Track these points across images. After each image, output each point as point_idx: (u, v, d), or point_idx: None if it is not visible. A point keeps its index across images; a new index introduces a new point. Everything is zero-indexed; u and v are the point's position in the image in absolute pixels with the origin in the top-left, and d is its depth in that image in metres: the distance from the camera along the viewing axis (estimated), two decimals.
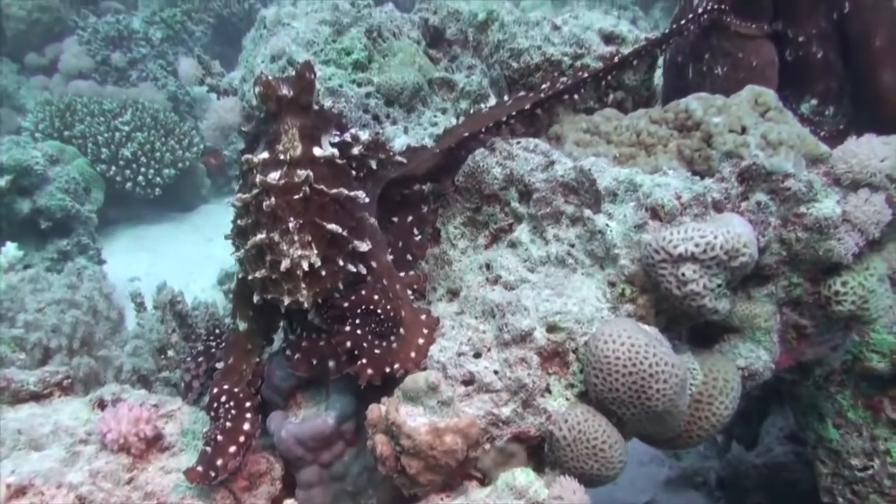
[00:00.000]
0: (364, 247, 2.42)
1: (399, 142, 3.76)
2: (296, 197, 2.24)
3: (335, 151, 2.38)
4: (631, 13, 9.25)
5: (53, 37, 11.01)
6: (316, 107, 2.43)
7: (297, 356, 2.54)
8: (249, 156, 2.33)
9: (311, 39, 3.84)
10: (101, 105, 8.86)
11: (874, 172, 2.65)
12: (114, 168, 8.56)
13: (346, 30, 3.91)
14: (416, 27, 4.19)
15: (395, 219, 2.90)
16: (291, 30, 3.90)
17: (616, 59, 3.05)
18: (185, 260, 7.99)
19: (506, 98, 3.07)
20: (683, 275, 2.40)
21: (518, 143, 2.87)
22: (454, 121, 3.93)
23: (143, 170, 8.63)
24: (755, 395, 4.25)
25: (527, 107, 2.95)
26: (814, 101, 3.19)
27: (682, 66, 3.32)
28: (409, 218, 2.91)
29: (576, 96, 3.01)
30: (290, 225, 2.25)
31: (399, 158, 2.79)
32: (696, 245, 2.38)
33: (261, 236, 2.26)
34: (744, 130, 2.68)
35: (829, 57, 3.13)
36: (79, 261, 6.55)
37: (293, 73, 3.73)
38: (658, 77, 3.53)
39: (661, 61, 3.51)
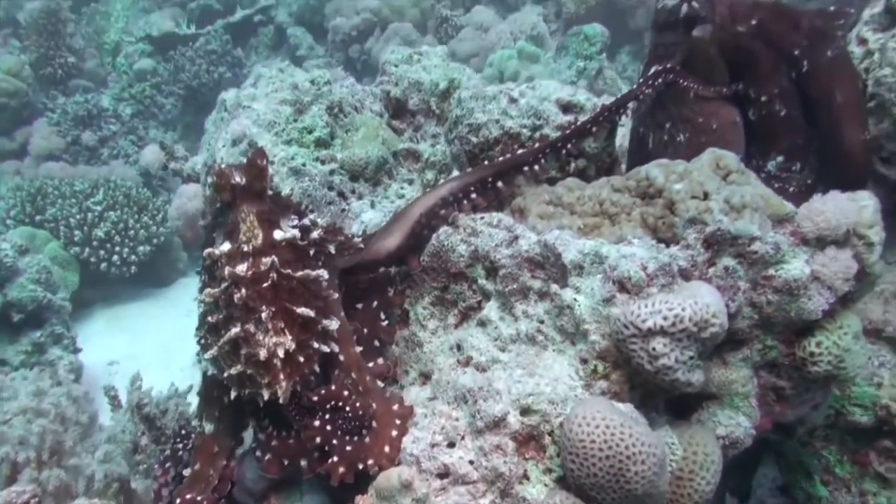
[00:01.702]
0: (334, 325, 2.39)
1: (366, 216, 3.73)
2: (265, 285, 2.22)
3: (296, 233, 2.36)
4: (597, 63, 9.32)
5: (23, 121, 11.00)
6: (271, 192, 2.40)
7: (267, 457, 2.48)
8: (212, 249, 2.30)
9: (272, 120, 3.83)
10: (72, 186, 8.82)
11: (840, 228, 2.62)
12: (87, 250, 8.50)
13: (307, 108, 3.91)
14: (378, 100, 4.19)
15: (361, 305, 2.85)
16: (252, 112, 3.88)
17: (574, 128, 3.03)
18: (164, 337, 7.89)
19: (457, 173, 3.06)
20: (654, 349, 2.35)
21: (482, 218, 2.84)
22: (420, 192, 3.91)
23: (117, 249, 8.57)
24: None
25: (488, 178, 2.93)
26: (780, 158, 3.18)
27: (643, 135, 3.32)
28: (375, 303, 2.87)
29: (536, 167, 2.99)
30: (264, 315, 2.21)
31: (357, 241, 2.76)
32: (665, 318, 2.34)
33: (235, 330, 2.22)
34: (706, 196, 2.66)
35: (792, 114, 3.13)
36: (53, 352, 6.47)
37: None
38: (621, 139, 3.52)
39: (627, 124, 3.51)
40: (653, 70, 3.12)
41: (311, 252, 2.49)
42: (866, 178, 3.12)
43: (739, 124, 3.19)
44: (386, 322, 2.86)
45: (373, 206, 3.81)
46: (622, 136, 3.71)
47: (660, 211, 2.71)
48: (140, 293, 9.04)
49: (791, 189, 3.16)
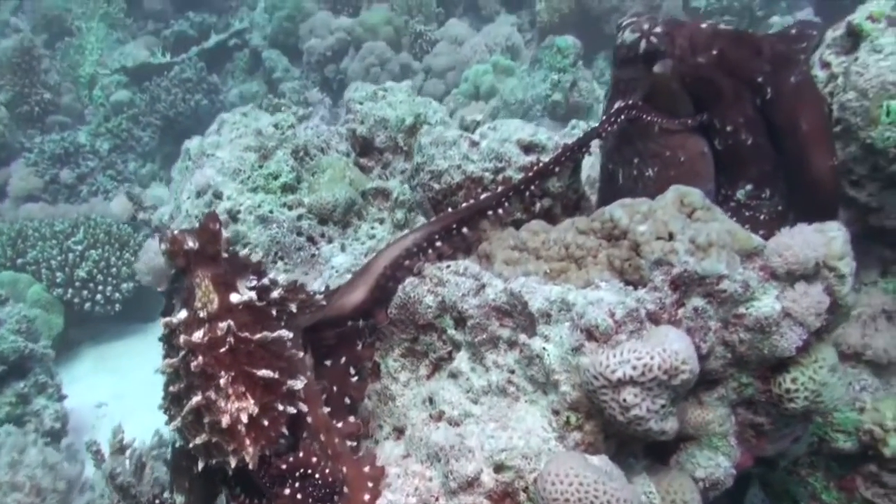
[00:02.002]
0: (299, 384, 2.34)
1: (336, 261, 3.69)
2: (222, 350, 2.17)
3: (252, 295, 2.31)
4: (571, 75, 9.29)
5: (0, 162, 10.94)
6: (226, 255, 2.36)
7: None
8: (169, 318, 2.26)
9: (237, 168, 3.79)
10: (52, 227, 8.75)
11: (809, 262, 2.59)
12: (70, 291, 8.44)
13: (272, 153, 3.87)
14: (345, 139, 4.15)
15: (329, 362, 2.81)
16: (216, 160, 3.84)
17: (537, 170, 2.99)
18: (151, 375, 7.80)
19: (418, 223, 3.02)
20: (625, 400, 2.31)
21: (448, 266, 2.80)
22: (391, 231, 3.87)
23: (100, 288, 8.51)
24: None
25: (452, 226, 2.89)
26: (749, 187, 3.14)
27: (613, 171, 3.28)
28: (344, 359, 2.82)
29: (500, 211, 2.94)
30: (222, 380, 2.17)
31: (319, 299, 2.71)
32: (634, 368, 2.30)
33: (196, 399, 2.18)
34: (671, 236, 2.61)
35: (759, 142, 3.09)
36: (38, 401, 6.42)
37: (221, 205, 3.70)
38: (590, 169, 3.49)
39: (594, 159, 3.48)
40: (615, 107, 3.09)
41: (272, 312, 2.44)
42: (837, 202, 3.08)
43: (708, 155, 3.15)
44: (356, 378, 2.82)
45: (343, 249, 3.76)
46: (591, 165, 3.67)
47: (625, 253, 2.67)
48: (126, 330, 8.97)
49: (762, 217, 3.13)
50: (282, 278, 2.54)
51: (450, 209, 3.03)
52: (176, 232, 2.28)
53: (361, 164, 4.12)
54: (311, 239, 3.76)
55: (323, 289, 2.92)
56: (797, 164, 3.03)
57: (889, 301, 3.10)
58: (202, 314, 2.21)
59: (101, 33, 12.67)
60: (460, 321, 2.72)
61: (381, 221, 3.91)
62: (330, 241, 3.79)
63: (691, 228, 2.63)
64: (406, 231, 3.23)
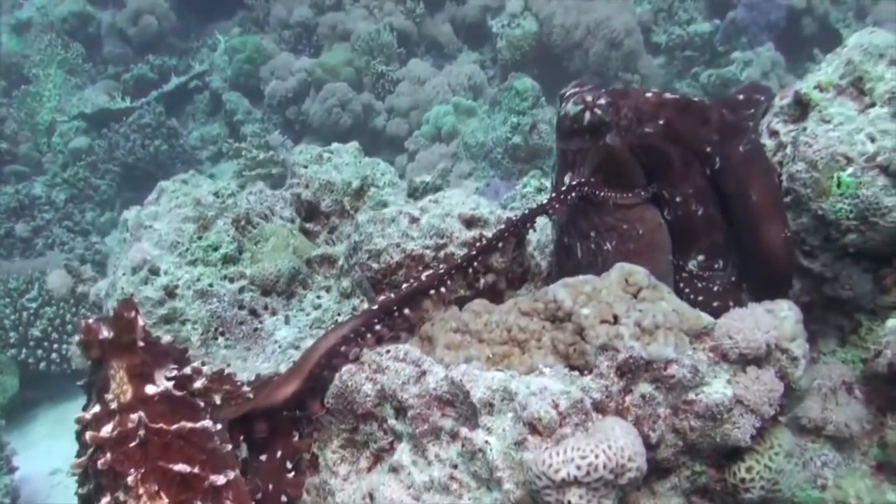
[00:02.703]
0: (222, 479, 2.19)
1: (280, 334, 3.56)
2: (132, 444, 2.04)
3: (170, 385, 2.18)
4: (530, 118, 9.23)
5: None
6: (142, 344, 2.23)
7: None
8: (83, 414, 2.14)
9: (175, 240, 3.65)
10: (5, 285, 8.54)
11: (760, 346, 2.48)
12: (24, 350, 8.23)
13: (212, 223, 3.73)
14: (290, 204, 4.03)
15: (264, 457, 2.67)
16: (153, 232, 3.70)
17: (479, 247, 2.88)
18: None
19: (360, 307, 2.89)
20: (570, 502, 2.18)
21: (387, 352, 2.68)
22: (338, 298, 3.74)
23: (55, 346, 8.30)
24: None
25: (392, 308, 2.77)
26: (701, 258, 3.05)
27: (569, 246, 3.18)
28: (279, 453, 2.68)
29: (443, 289, 2.82)
30: (131, 478, 2.02)
31: (246, 390, 2.58)
32: (578, 468, 2.17)
33: (105, 500, 2.03)
34: (616, 319, 2.50)
35: (709, 212, 3.00)
36: None
37: (157, 281, 3.56)
38: (539, 237, 3.39)
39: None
40: (565, 186, 2.98)
41: (194, 402, 2.31)
42: (791, 273, 2.99)
43: (664, 226, 3.07)
44: (293, 472, 2.68)
45: (287, 321, 3.64)
46: (541, 229, 3.56)
47: (570, 337, 2.56)
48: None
49: (715, 288, 3.03)
50: (206, 368, 2.42)
51: (390, 289, 2.91)
52: (90, 321, 2.18)
53: (307, 229, 4.00)
54: (253, 312, 3.62)
55: (252, 378, 2.79)
56: (749, 234, 2.94)
57: (848, 372, 3.00)
58: (113, 406, 2.09)
59: (58, 79, 12.49)
60: (401, 410, 2.60)
61: (328, 290, 3.78)
62: (274, 313, 3.66)
63: (637, 310, 2.52)
64: (344, 318, 3.10)
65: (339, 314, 3.57)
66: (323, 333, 2.82)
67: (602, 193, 2.94)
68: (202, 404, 2.38)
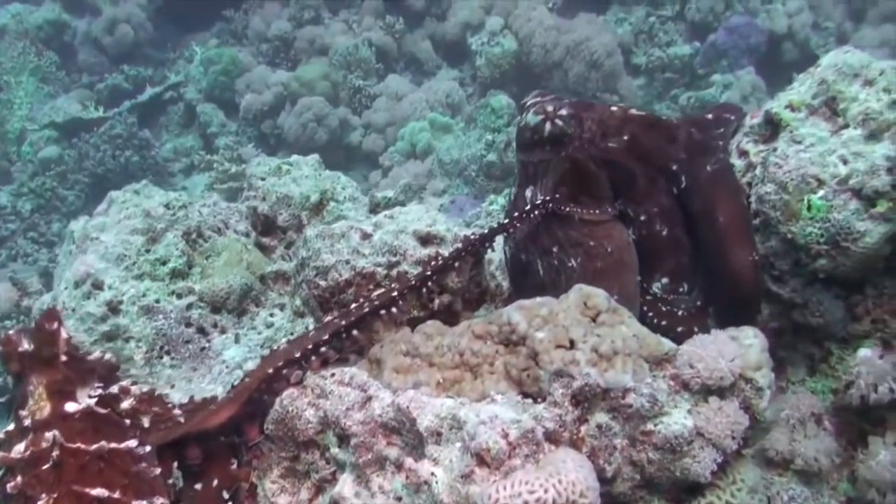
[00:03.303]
0: None
1: (229, 354, 3.41)
2: (45, 467, 1.91)
3: (91, 402, 2.03)
4: (505, 135, 9.11)
5: None
6: (65, 358, 2.08)
7: None
8: None
9: (122, 253, 3.49)
10: None
11: (724, 375, 2.35)
12: None
13: (162, 236, 3.57)
14: (245, 217, 3.88)
15: (199, 486, 2.50)
16: (99, 245, 3.54)
17: (434, 266, 2.74)
18: None
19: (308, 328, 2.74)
20: None
21: (332, 375, 2.54)
22: (291, 318, 3.60)
23: None
24: None
25: (340, 329, 2.62)
26: (665, 280, 2.94)
27: (528, 263, 3.04)
28: (215, 481, 2.52)
29: (394, 310, 2.68)
30: (41, 503, 1.87)
31: (177, 413, 2.43)
32: (526, 503, 2.03)
33: None
34: (572, 344, 2.37)
35: (674, 233, 2.90)
36: None
37: (100, 296, 3.39)
38: (500, 255, 3.26)
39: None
40: (528, 203, 2.86)
41: (119, 423, 2.16)
42: (758, 298, 2.87)
43: (632, 245, 2.95)
44: (230, 503, 2.52)
45: (237, 340, 3.48)
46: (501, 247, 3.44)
47: (523, 362, 2.42)
48: None
49: (680, 312, 2.92)
50: (136, 388, 2.27)
51: (339, 308, 2.77)
52: (11, 332, 2.05)
53: (263, 244, 3.85)
54: (201, 330, 3.46)
55: (185, 400, 2.63)
56: (715, 257, 2.82)
57: (818, 403, 2.87)
58: (27, 423, 1.94)
59: (30, 87, 12.28)
60: (344, 438, 2.45)
61: (282, 307, 3.63)
62: (223, 331, 3.50)
63: (595, 335, 2.39)
64: (286, 340, 2.95)
65: (292, 333, 3.41)
66: (265, 355, 2.67)
67: (568, 209, 2.80)
68: (129, 425, 2.24)
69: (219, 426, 2.50)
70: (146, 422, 2.30)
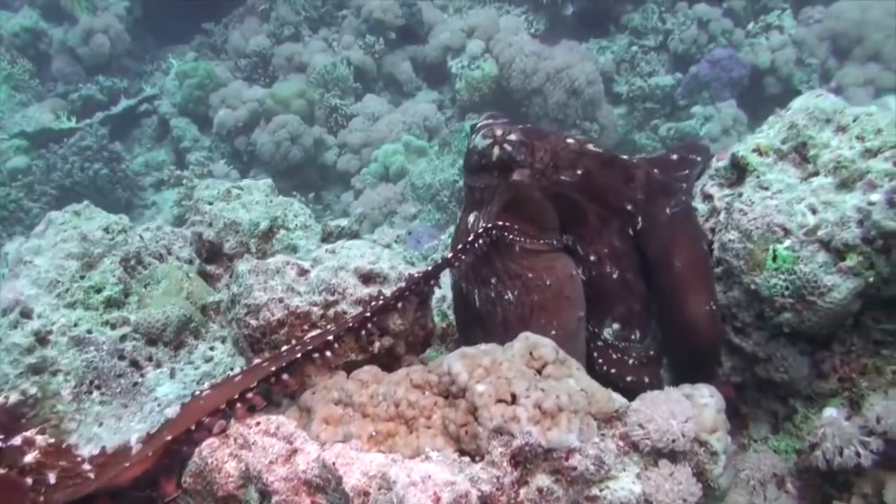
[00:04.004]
0: None
1: (162, 390, 3.21)
2: None
3: None
4: None
5: None
6: None
7: None
8: None
9: (55, 279, 3.28)
10: None
11: (675, 438, 2.18)
12: None
13: (98, 262, 3.37)
14: (189, 244, 3.68)
15: None
16: (32, 269, 3.33)
17: (374, 307, 2.56)
18: None
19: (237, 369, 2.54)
20: None
21: (257, 423, 2.34)
22: (232, 352, 3.41)
23: None
24: None
25: (269, 374, 2.43)
26: (616, 326, 2.79)
27: (467, 294, 2.89)
28: None
29: (329, 353, 2.49)
30: None
31: (87, 469, 2.23)
32: None
33: None
34: (514, 398, 2.19)
35: (626, 277, 2.74)
36: None
37: (28, 325, 3.19)
38: (445, 307, 3.09)
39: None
40: (472, 235, 2.69)
41: (22, 481, 1.96)
42: (716, 350, 2.72)
43: (577, 279, 2.79)
44: None
45: (172, 375, 3.27)
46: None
47: (462, 417, 2.24)
48: None
49: (631, 361, 2.76)
50: (41, 438, 2.07)
51: (270, 350, 2.58)
52: None
53: (207, 272, 3.65)
54: (135, 363, 3.25)
55: (97, 451, 2.43)
56: (670, 304, 2.67)
57: (780, 463, 2.72)
58: None
59: (2, 95, 12.06)
60: (266, 495, 2.26)
61: (223, 340, 3.43)
62: (158, 365, 3.29)
63: (539, 389, 2.21)
64: (209, 384, 2.75)
65: (232, 368, 3.22)
66: (185, 402, 2.47)
67: (510, 237, 2.64)
68: (31, 483, 2.04)
69: (132, 481, 2.30)
70: (52, 478, 2.11)
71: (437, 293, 3.58)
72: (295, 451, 2.26)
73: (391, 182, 9.76)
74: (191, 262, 3.63)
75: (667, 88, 11.37)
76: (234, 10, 13.03)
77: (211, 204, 3.70)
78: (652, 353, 2.77)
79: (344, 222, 3.82)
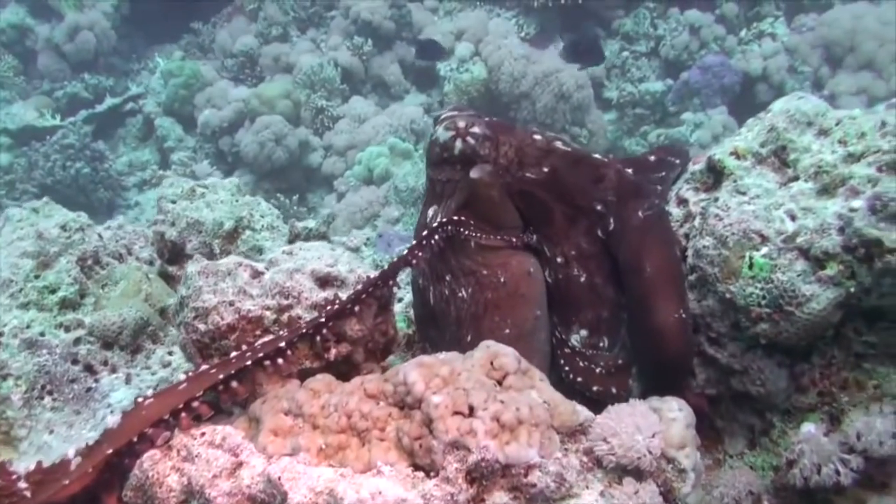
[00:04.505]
0: None
1: (116, 396, 3.08)
2: None
3: None
4: None
5: None
6: None
7: None
8: None
9: (8, 278, 3.17)
10: None
11: (641, 455, 2.06)
12: None
13: (54, 261, 3.26)
14: (151, 244, 3.55)
15: None
16: None
17: (330, 311, 2.43)
18: None
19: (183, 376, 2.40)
20: None
21: (202, 434, 2.21)
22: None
23: None
24: None
25: (217, 381, 2.29)
26: (584, 332, 2.67)
27: (424, 290, 2.80)
28: None
29: (280, 361, 2.35)
30: None
31: (22, 487, 2.09)
32: None
33: None
34: (471, 411, 2.07)
35: (594, 281, 2.63)
36: None
37: None
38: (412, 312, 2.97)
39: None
40: (426, 231, 2.58)
41: None
42: (685, 362, 2.59)
43: (536, 276, 2.68)
44: None
45: (128, 381, 3.16)
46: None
47: (417, 429, 2.11)
48: None
49: (598, 370, 2.65)
50: None
51: (220, 356, 2.45)
52: None
53: (169, 273, 3.53)
54: (89, 368, 3.14)
55: (33, 467, 2.28)
56: (639, 311, 2.56)
57: (756, 480, 2.60)
58: None
59: None
60: None
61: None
62: (114, 370, 3.18)
63: (498, 401, 2.09)
64: (153, 392, 2.62)
65: (191, 373, 3.09)
66: (126, 410, 2.33)
67: (465, 233, 2.53)
68: None
69: (70, 498, 2.17)
70: None
71: (406, 297, 3.46)
72: (240, 465, 2.13)
73: (374, 185, 9.62)
74: (151, 262, 3.52)
75: (657, 94, 11.29)
76: (223, 9, 12.90)
77: (174, 203, 3.58)
78: (620, 362, 2.65)
79: (312, 223, 3.70)
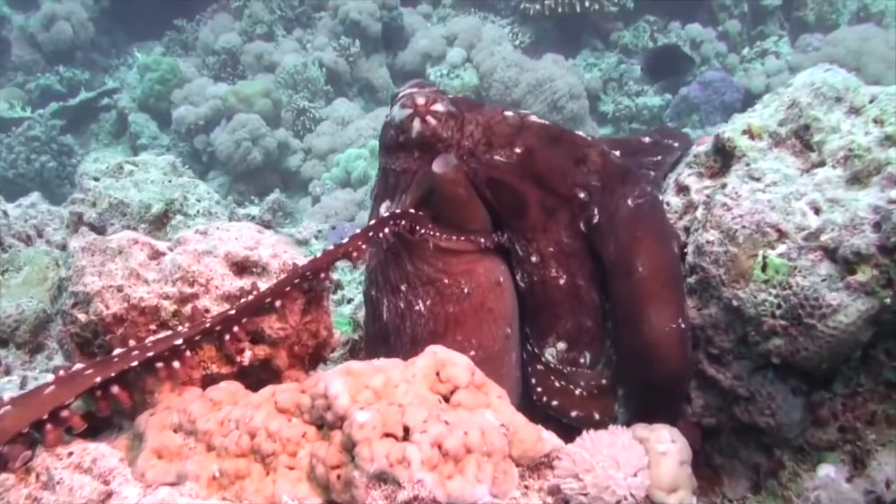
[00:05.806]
0: None
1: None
2: None
3: None
4: None
5: None
6: None
7: None
8: None
9: None
10: None
11: (620, 497, 1.60)
12: None
13: None
14: (66, 226, 3.08)
15: None
16: None
17: (244, 303, 1.96)
18: None
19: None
20: None
21: (70, 454, 1.76)
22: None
23: None
24: None
25: (94, 384, 1.82)
26: (561, 346, 2.25)
27: (377, 303, 2.34)
28: None
29: (176, 363, 1.88)
30: None
31: None
32: None
33: None
34: (407, 433, 1.61)
35: (576, 284, 2.21)
36: None
37: None
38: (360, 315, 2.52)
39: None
40: (374, 220, 2.14)
41: None
42: (683, 380, 2.15)
43: (506, 286, 2.27)
44: None
45: (23, 385, 2.67)
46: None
47: (335, 455, 1.66)
48: None
49: (577, 391, 2.22)
50: None
51: (103, 354, 1.97)
52: None
53: None
54: None
55: None
56: (628, 320, 2.12)
57: None
58: None
59: None
60: None
61: None
62: (7, 372, 2.71)
63: (441, 421, 1.63)
64: (26, 391, 2.13)
65: (61, 373, 2.64)
66: None
67: (423, 231, 2.09)
68: None
69: None
70: None
71: (357, 298, 3.02)
72: (109, 495, 1.69)
73: (352, 188, 9.19)
74: (64, 247, 3.04)
75: (655, 109, 10.97)
76: (207, 6, 12.51)
77: (97, 180, 3.13)
78: (604, 381, 2.21)
79: (255, 210, 3.25)
